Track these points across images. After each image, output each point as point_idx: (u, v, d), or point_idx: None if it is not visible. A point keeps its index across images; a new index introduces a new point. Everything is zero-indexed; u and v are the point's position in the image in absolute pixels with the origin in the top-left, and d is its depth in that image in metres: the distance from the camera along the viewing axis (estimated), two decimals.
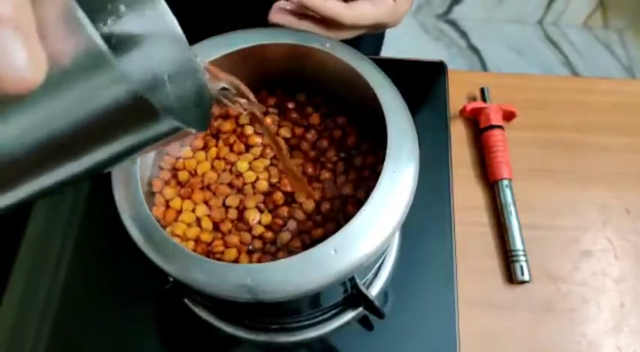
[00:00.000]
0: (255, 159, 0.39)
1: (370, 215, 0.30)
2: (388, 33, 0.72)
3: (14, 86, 0.14)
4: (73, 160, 0.18)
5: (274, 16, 0.39)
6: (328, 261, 0.29)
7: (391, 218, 0.31)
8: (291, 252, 0.35)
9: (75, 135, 0.16)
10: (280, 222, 0.36)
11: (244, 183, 0.38)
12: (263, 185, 0.38)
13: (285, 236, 0.36)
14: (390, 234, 0.30)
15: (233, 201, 0.37)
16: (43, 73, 0.14)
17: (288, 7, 0.39)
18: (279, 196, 0.37)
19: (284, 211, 0.37)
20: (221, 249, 0.35)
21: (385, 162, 0.32)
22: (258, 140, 0.40)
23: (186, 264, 0.29)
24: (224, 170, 0.39)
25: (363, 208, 0.30)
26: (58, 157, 0.18)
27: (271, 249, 0.36)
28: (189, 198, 0.37)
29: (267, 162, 0.39)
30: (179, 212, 0.37)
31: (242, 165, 0.38)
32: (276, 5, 0.39)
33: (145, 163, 0.36)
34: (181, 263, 0.30)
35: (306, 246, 0.35)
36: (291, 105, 0.42)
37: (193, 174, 0.38)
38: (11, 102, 0.16)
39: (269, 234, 0.36)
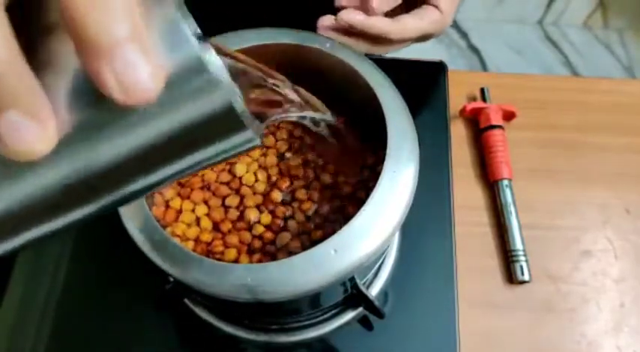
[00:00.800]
0: (253, 160, 0.39)
1: (370, 215, 0.30)
2: None
3: (139, 98, 0.14)
4: (147, 175, 0.18)
5: (324, 32, 0.39)
6: (328, 261, 0.29)
7: (391, 218, 0.31)
8: (290, 252, 0.35)
9: (164, 148, 0.17)
10: (279, 222, 0.36)
11: (242, 184, 0.38)
12: (262, 186, 0.38)
13: (285, 236, 0.36)
14: (390, 234, 0.30)
15: (233, 201, 0.37)
16: (163, 83, 0.15)
17: (333, 23, 0.39)
18: (277, 195, 0.37)
19: (283, 211, 0.37)
20: (221, 249, 0.35)
21: (385, 162, 0.32)
22: None
23: (186, 264, 0.29)
24: (223, 170, 0.39)
25: (363, 208, 0.30)
26: (140, 169, 0.18)
27: (271, 250, 0.36)
28: (189, 197, 0.37)
29: (266, 162, 0.39)
30: (179, 212, 0.37)
31: (240, 168, 0.38)
32: (321, 23, 0.39)
33: None
34: (181, 263, 0.29)
35: (305, 247, 0.35)
36: None
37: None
38: (122, 117, 0.16)
39: (269, 235, 0.36)
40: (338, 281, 0.30)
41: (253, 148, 0.20)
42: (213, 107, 0.16)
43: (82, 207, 0.19)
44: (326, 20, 0.39)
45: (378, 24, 0.38)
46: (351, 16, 0.37)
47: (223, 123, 0.17)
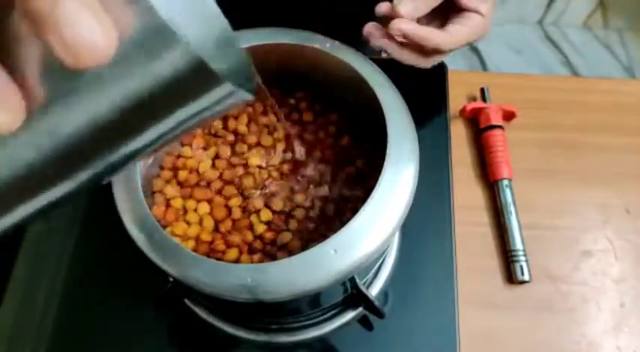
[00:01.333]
0: (255, 158, 0.39)
1: (370, 215, 0.30)
2: None
3: (90, 57, 0.14)
4: (123, 141, 0.18)
5: (375, 40, 0.38)
6: (328, 261, 0.29)
7: (391, 218, 0.31)
8: (290, 252, 0.35)
9: (132, 113, 0.17)
10: (280, 222, 0.36)
11: (244, 184, 0.38)
12: (261, 184, 0.38)
13: (286, 236, 0.36)
14: (390, 234, 0.30)
15: (235, 200, 0.37)
16: (115, 41, 0.14)
17: (380, 31, 0.38)
18: (279, 195, 0.37)
19: (283, 209, 0.37)
20: (222, 247, 0.35)
21: (385, 162, 0.32)
22: (254, 139, 0.40)
23: (187, 264, 0.29)
24: (225, 169, 0.39)
25: (363, 208, 0.30)
26: (112, 137, 0.18)
27: (272, 250, 0.36)
28: (190, 197, 0.37)
29: (266, 161, 0.39)
30: (179, 211, 0.37)
31: (254, 160, 0.38)
32: (369, 30, 0.38)
33: (145, 162, 0.36)
34: (181, 263, 0.29)
35: (305, 247, 0.35)
36: (289, 105, 0.42)
37: (194, 173, 0.38)
38: (79, 83, 0.16)
39: (269, 235, 0.36)
40: (338, 282, 0.30)
41: (242, 102, 0.20)
42: (178, 61, 0.16)
43: (74, 175, 0.19)
44: (372, 27, 0.38)
45: (435, 38, 0.37)
46: (404, 26, 0.36)
47: (196, 77, 0.17)
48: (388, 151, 0.32)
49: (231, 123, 0.40)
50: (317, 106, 0.42)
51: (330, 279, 0.29)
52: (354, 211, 0.30)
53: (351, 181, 0.38)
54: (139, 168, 0.33)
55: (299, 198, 0.37)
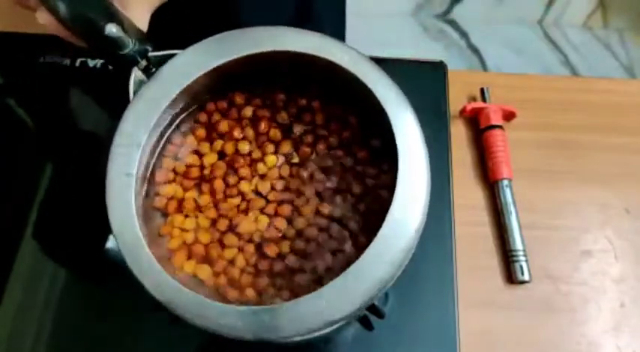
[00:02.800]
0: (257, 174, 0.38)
1: (385, 240, 0.31)
2: (388, 32, 0.72)
3: None
4: None
5: None
6: (340, 296, 0.29)
7: (407, 240, 0.32)
8: (292, 269, 0.34)
9: None
10: (286, 249, 0.35)
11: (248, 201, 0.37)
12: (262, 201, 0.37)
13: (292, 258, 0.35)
14: (405, 256, 0.31)
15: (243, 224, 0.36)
16: None
17: None
18: (284, 213, 0.37)
19: (284, 228, 0.36)
20: (219, 251, 0.35)
21: (398, 181, 0.32)
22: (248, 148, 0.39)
23: (192, 307, 0.30)
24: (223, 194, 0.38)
25: (380, 232, 0.31)
26: None
27: (275, 265, 0.35)
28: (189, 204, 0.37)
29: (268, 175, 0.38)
30: (184, 244, 0.36)
31: (245, 185, 0.37)
32: None
33: (142, 165, 0.35)
34: (187, 305, 0.30)
35: (315, 270, 0.34)
36: (298, 107, 0.41)
37: (194, 171, 0.38)
38: None
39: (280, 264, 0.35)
40: (353, 316, 0.30)
41: None
42: None
43: None
44: None
45: None
46: None
47: None
48: (400, 164, 0.33)
49: (227, 126, 0.40)
50: (319, 110, 0.41)
51: (345, 314, 0.29)
52: (362, 230, 0.30)
53: (354, 186, 0.38)
54: (134, 188, 0.32)
55: (305, 215, 0.36)
